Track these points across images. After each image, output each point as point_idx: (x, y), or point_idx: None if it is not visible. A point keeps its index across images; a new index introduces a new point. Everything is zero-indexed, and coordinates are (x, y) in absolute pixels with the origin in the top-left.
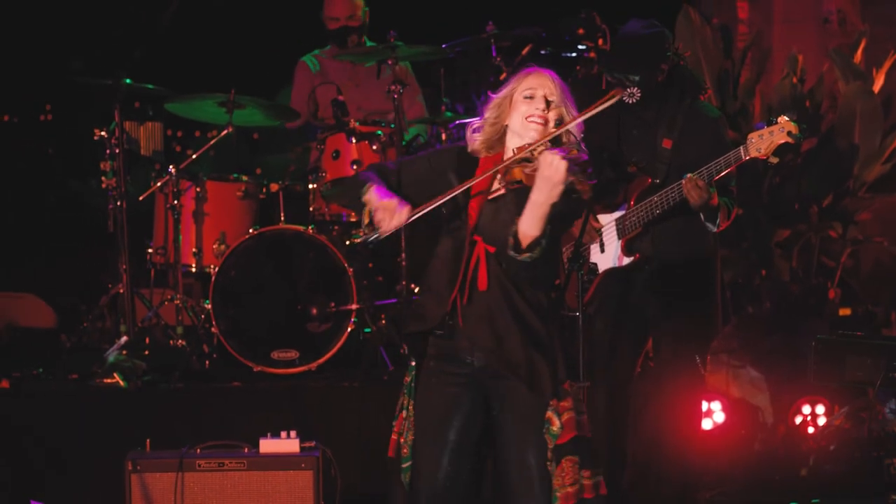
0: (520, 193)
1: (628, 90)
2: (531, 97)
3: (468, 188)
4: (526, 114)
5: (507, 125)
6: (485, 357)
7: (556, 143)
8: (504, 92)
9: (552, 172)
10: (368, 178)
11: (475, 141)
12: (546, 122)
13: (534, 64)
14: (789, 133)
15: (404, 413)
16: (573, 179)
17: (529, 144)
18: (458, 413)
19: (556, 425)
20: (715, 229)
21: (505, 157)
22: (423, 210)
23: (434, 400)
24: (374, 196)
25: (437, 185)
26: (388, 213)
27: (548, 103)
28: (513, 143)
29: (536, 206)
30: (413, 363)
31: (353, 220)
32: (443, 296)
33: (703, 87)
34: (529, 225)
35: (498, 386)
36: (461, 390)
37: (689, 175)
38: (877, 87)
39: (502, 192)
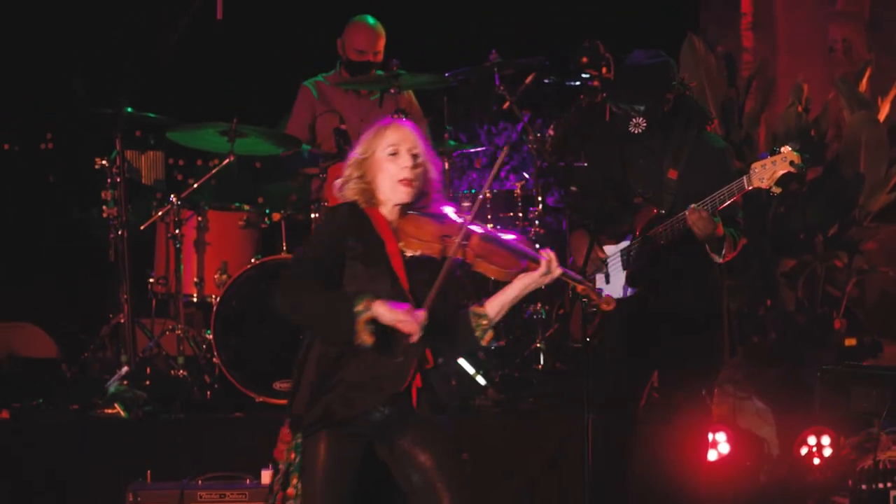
0: (425, 262)
1: (633, 121)
2: (395, 153)
3: (385, 251)
4: (396, 177)
5: (372, 184)
6: (399, 408)
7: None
8: (362, 149)
9: (547, 278)
10: (316, 298)
11: (350, 197)
12: (414, 182)
13: (389, 117)
14: (792, 163)
15: (292, 491)
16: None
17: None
18: (353, 475)
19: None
20: (720, 260)
21: (386, 210)
22: (432, 298)
23: (329, 470)
24: (383, 312)
25: (341, 254)
26: (408, 321)
27: (414, 158)
28: (389, 202)
29: (513, 298)
30: (299, 439)
31: None
32: (391, 379)
33: (710, 116)
34: (500, 311)
35: (402, 434)
36: (357, 445)
37: (692, 206)
38: (882, 115)
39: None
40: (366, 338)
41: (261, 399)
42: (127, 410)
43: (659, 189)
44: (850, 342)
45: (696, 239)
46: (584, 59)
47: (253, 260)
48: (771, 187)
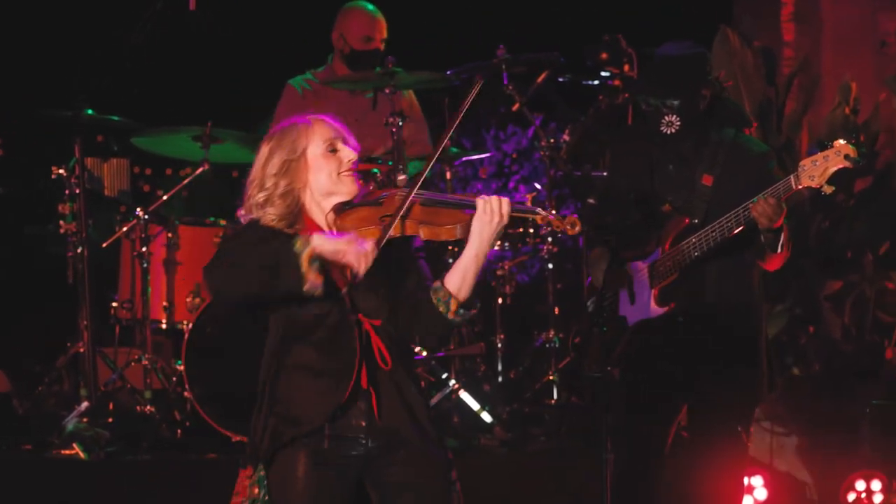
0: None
1: (665, 119)
2: (334, 149)
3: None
4: (337, 169)
5: (303, 190)
6: (387, 439)
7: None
8: (286, 152)
9: (492, 217)
10: (249, 253)
11: (270, 216)
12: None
13: (304, 115)
14: (847, 157)
15: None
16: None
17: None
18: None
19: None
20: (776, 255)
21: (318, 218)
22: (384, 237)
23: (313, 496)
24: (323, 242)
25: None
26: (353, 252)
27: (353, 150)
28: (326, 203)
29: (478, 259)
30: (262, 471)
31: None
32: (332, 389)
33: (748, 119)
34: (470, 283)
35: (388, 470)
36: (344, 477)
37: (759, 196)
38: None
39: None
40: (313, 278)
41: (238, 438)
42: (87, 451)
43: (691, 196)
44: None
45: (733, 250)
46: (604, 56)
47: None
48: (822, 186)
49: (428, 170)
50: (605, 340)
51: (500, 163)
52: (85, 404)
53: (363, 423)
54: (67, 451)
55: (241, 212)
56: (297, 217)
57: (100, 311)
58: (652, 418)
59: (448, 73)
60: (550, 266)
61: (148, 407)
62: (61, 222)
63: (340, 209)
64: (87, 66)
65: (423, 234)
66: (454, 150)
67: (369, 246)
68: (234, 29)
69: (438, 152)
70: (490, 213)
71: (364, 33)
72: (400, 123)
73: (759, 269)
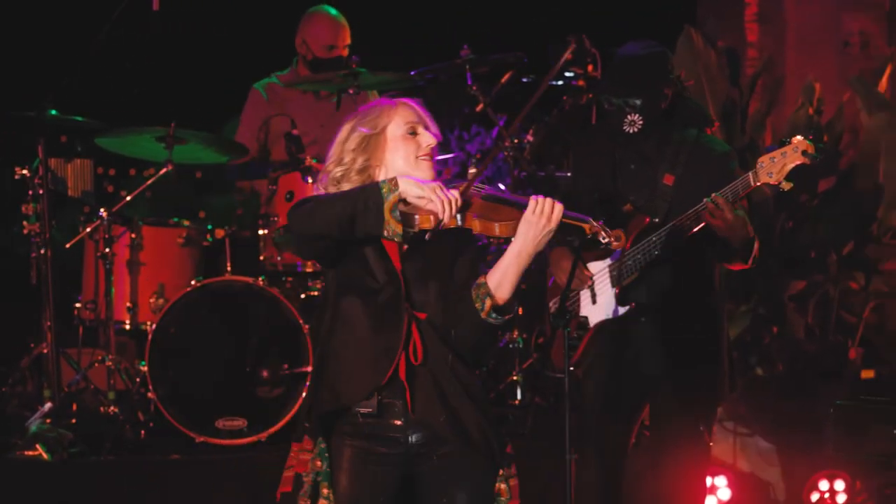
0: (445, 239)
1: (627, 118)
2: (415, 132)
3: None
4: (416, 152)
5: (378, 168)
6: (427, 434)
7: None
8: (365, 130)
9: (539, 218)
10: (332, 197)
11: None
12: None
13: (395, 92)
14: (804, 153)
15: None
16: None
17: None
18: (387, 500)
19: (505, 495)
20: (746, 265)
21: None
22: (471, 184)
23: (359, 489)
24: (409, 186)
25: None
26: (438, 197)
27: (433, 137)
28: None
29: (519, 257)
30: (322, 444)
31: (308, 270)
32: (372, 369)
33: (710, 119)
34: (510, 282)
35: (435, 465)
36: (388, 474)
37: (713, 195)
38: None
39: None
40: (395, 227)
41: (201, 439)
42: (50, 452)
43: (653, 196)
44: (867, 374)
45: (694, 249)
46: (568, 56)
47: (193, 282)
48: (781, 182)
49: (487, 165)
50: (568, 341)
51: (464, 163)
52: (48, 405)
53: (400, 423)
54: (31, 452)
55: (318, 186)
56: None
57: (63, 312)
58: (614, 418)
59: (412, 73)
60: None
61: (111, 408)
62: (24, 223)
63: None
64: (50, 66)
65: (477, 227)
66: None
67: (456, 193)
68: (197, 29)
69: (494, 150)
70: (539, 214)
71: (327, 42)
72: None
73: (720, 270)
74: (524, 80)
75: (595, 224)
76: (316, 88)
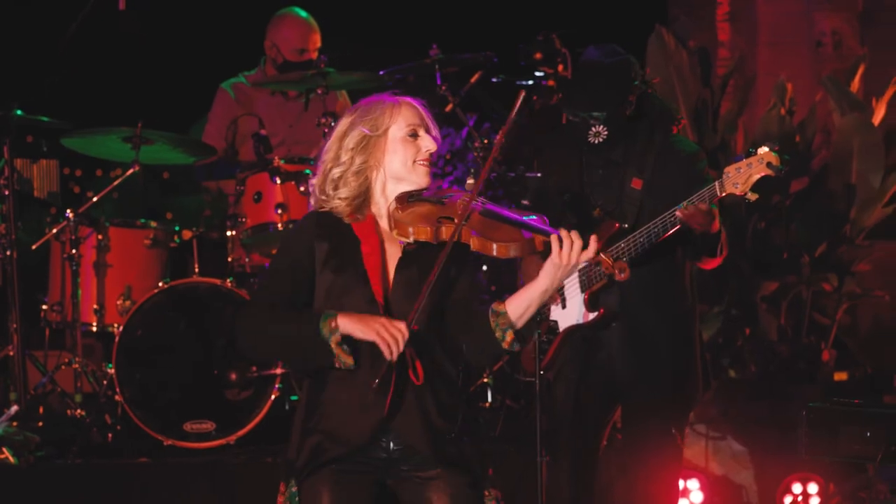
0: (423, 250)
1: (592, 130)
2: (416, 135)
3: (357, 251)
4: (414, 157)
5: (375, 170)
6: (406, 447)
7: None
8: (365, 130)
9: (568, 261)
10: (297, 318)
11: (340, 199)
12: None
13: (398, 91)
14: (769, 164)
15: None
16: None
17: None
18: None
19: None
20: (714, 262)
21: (381, 211)
22: (417, 310)
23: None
24: (349, 324)
25: (310, 271)
26: (389, 335)
27: (434, 141)
28: (393, 189)
29: (545, 294)
30: (294, 487)
31: None
32: (371, 401)
33: (676, 115)
34: (532, 314)
35: (415, 482)
36: (366, 483)
37: (683, 204)
38: (877, 119)
39: (399, 255)
40: (346, 359)
41: (169, 442)
42: (16, 456)
43: (620, 201)
44: (841, 376)
45: (663, 254)
46: (538, 55)
47: (161, 284)
48: (746, 193)
49: (485, 177)
50: (538, 345)
51: (434, 164)
52: (14, 408)
53: (382, 455)
54: None
55: (312, 182)
56: (364, 203)
57: (29, 314)
58: (585, 421)
59: (381, 73)
60: (485, 268)
61: (78, 411)
62: None
63: (404, 199)
64: (16, 66)
65: (474, 244)
66: None
67: (402, 326)
68: (164, 29)
69: (490, 161)
70: (567, 255)
71: (298, 46)
72: (332, 124)
73: (692, 271)
74: (494, 79)
75: (606, 257)
76: (284, 89)
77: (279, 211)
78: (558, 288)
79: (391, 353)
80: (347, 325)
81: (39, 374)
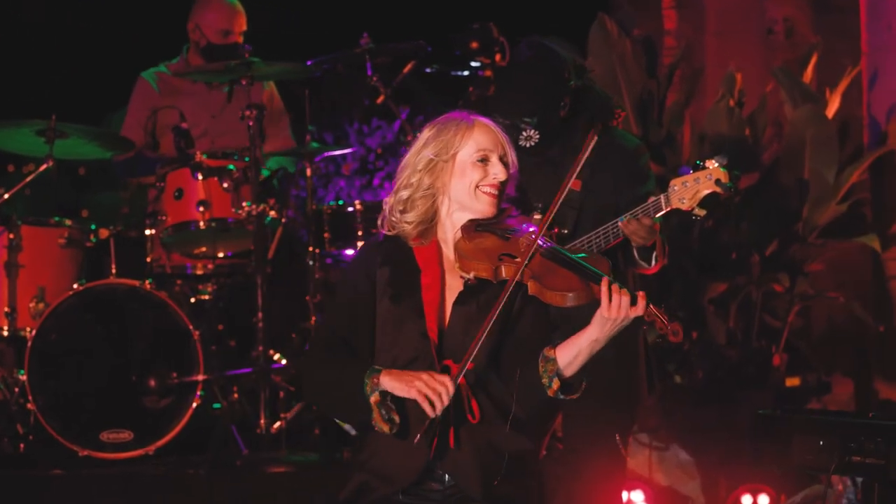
0: (484, 285)
1: (523, 134)
2: (485, 160)
3: (416, 282)
4: (479, 181)
5: (442, 193)
6: (459, 491)
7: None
8: (436, 150)
9: (618, 316)
10: (343, 373)
11: (407, 223)
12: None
13: (475, 112)
14: (717, 181)
15: None
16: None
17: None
18: None
19: None
20: (651, 269)
21: (447, 236)
22: (464, 367)
23: None
24: (395, 387)
25: (370, 302)
26: (431, 391)
27: (505, 167)
28: (459, 216)
29: (596, 344)
30: None
31: (198, 272)
32: (416, 446)
33: (614, 108)
34: (579, 362)
35: None
36: None
37: (626, 217)
38: (831, 111)
39: (460, 288)
40: (382, 425)
41: (85, 453)
42: None
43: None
44: (792, 382)
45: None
46: (474, 45)
47: (76, 285)
48: (693, 209)
49: (549, 219)
50: None
51: (364, 158)
52: None
53: (437, 487)
54: None
55: (386, 200)
56: (431, 229)
57: None
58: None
59: (308, 63)
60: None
61: None
62: None
63: (471, 229)
64: None
65: (531, 288)
66: (315, 144)
67: (446, 380)
68: (80, 16)
69: (562, 195)
70: (616, 310)
71: (222, 27)
72: (256, 116)
73: (633, 274)
74: (427, 70)
75: (665, 321)
76: (207, 79)
77: (201, 208)
78: (608, 340)
79: (433, 409)
80: (387, 382)
81: None
